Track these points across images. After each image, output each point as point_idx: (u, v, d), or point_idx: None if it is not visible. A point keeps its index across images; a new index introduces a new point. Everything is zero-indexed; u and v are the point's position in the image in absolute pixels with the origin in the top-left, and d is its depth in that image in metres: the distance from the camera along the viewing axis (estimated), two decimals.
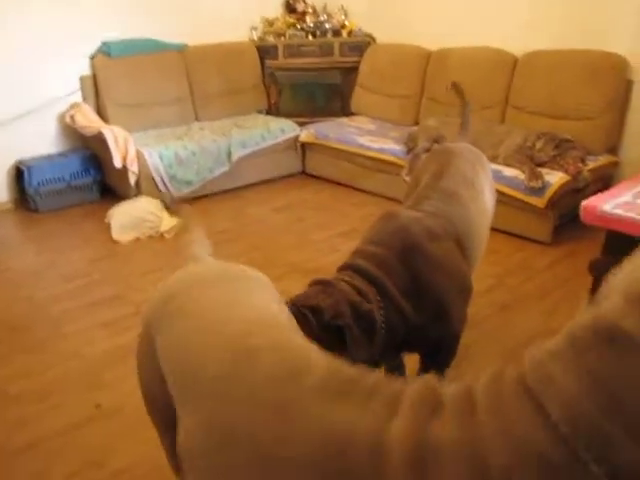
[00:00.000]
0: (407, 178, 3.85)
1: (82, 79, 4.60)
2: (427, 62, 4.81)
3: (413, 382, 0.82)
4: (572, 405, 0.64)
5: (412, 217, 1.76)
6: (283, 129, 4.89)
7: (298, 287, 1.49)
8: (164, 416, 1.20)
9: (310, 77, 5.34)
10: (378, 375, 0.86)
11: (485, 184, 2.09)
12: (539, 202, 3.42)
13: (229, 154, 4.54)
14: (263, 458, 0.80)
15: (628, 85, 3.85)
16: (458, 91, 2.58)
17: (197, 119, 5.08)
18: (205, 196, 4.51)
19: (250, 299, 1.11)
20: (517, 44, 4.28)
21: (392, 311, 1.58)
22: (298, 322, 1.21)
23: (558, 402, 0.65)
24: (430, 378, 0.82)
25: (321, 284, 1.56)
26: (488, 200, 2.10)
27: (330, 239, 3.71)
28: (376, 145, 4.36)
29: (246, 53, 5.32)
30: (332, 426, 0.77)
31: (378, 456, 0.71)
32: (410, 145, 4.13)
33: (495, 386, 0.72)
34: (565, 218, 3.58)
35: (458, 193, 1.91)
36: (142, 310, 1.24)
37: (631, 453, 0.60)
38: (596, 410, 0.63)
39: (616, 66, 3.80)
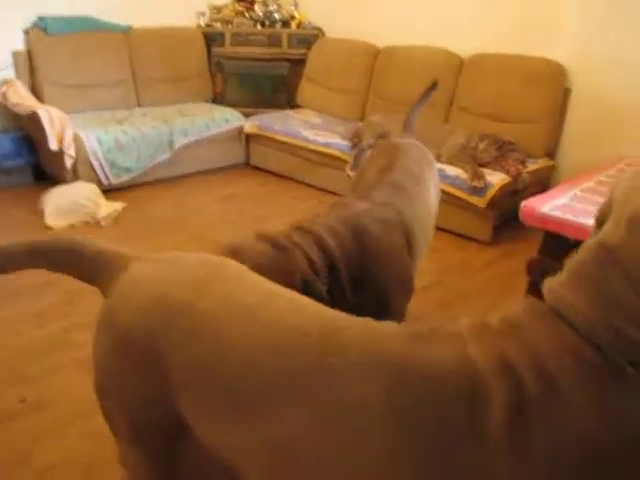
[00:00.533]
0: (351, 173, 3.84)
1: (15, 54, 4.35)
2: (375, 58, 4.83)
3: (460, 322, 0.97)
4: (589, 318, 0.83)
5: (364, 208, 1.76)
6: (228, 119, 4.80)
7: None
8: (159, 433, 1.13)
9: (257, 67, 5.27)
10: (428, 325, 0.99)
11: (430, 181, 2.10)
12: (480, 202, 3.47)
13: (171, 142, 4.43)
14: (388, 420, 0.87)
15: (566, 93, 3.97)
16: (429, 89, 2.58)
17: (139, 104, 4.92)
18: (145, 183, 4.38)
19: (265, 286, 1.11)
20: (464, 46, 4.34)
21: (335, 287, 1.58)
22: None
23: (579, 319, 0.84)
24: (472, 318, 0.98)
25: (272, 245, 1.52)
26: (433, 197, 2.11)
27: None
28: (321, 139, 4.34)
29: (192, 39, 5.20)
30: (426, 361, 0.89)
31: (473, 377, 0.85)
32: (355, 140, 4.12)
33: (532, 312, 0.91)
34: (504, 218, 3.66)
35: (406, 188, 1.91)
36: (117, 321, 1.08)
37: None
38: (606, 317, 0.81)
39: (555, 74, 3.91)
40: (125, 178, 4.23)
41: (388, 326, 0.99)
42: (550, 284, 0.92)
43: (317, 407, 0.90)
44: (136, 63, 4.90)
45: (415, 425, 0.85)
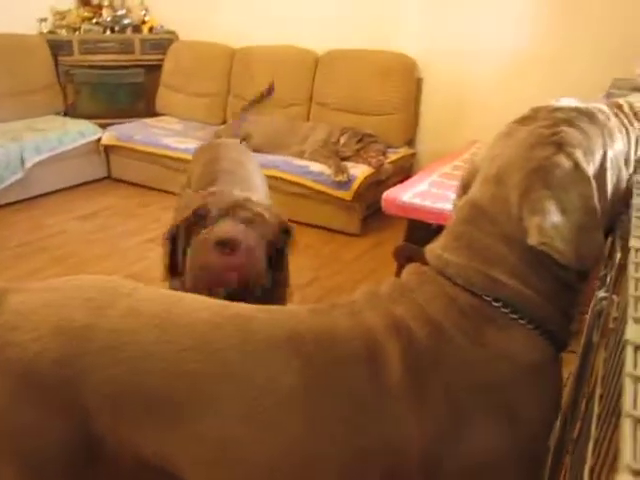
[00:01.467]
0: None
1: None
2: (231, 60, 4.77)
3: (354, 294, 1.08)
4: (463, 269, 0.97)
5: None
6: (82, 132, 4.54)
7: None
8: (64, 469, 1.03)
9: (110, 76, 5.02)
10: (326, 303, 1.10)
11: (253, 169, 2.26)
12: (346, 195, 3.54)
13: (22, 160, 4.12)
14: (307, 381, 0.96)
15: (418, 83, 4.14)
16: (266, 92, 2.76)
17: None
18: None
19: (162, 293, 1.12)
20: (317, 43, 4.40)
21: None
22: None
23: (456, 272, 0.98)
24: (366, 287, 1.09)
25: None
26: (260, 182, 2.24)
27: (139, 246, 3.53)
28: (182, 145, 4.20)
29: (35, 47, 4.82)
30: (329, 331, 0.99)
31: (369, 339, 0.96)
32: None
33: (418, 276, 1.03)
34: (371, 209, 3.75)
35: (236, 172, 2.06)
36: (8, 358, 0.99)
37: (510, 288, 0.94)
38: (476, 265, 0.96)
39: (406, 65, 4.07)
40: None
41: (288, 308, 1.13)
42: (431, 248, 1.06)
43: (245, 393, 0.95)
44: None
45: (327, 389, 0.94)
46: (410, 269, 1.07)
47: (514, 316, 0.95)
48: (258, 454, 0.96)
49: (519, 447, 0.94)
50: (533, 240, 0.91)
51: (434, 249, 1.05)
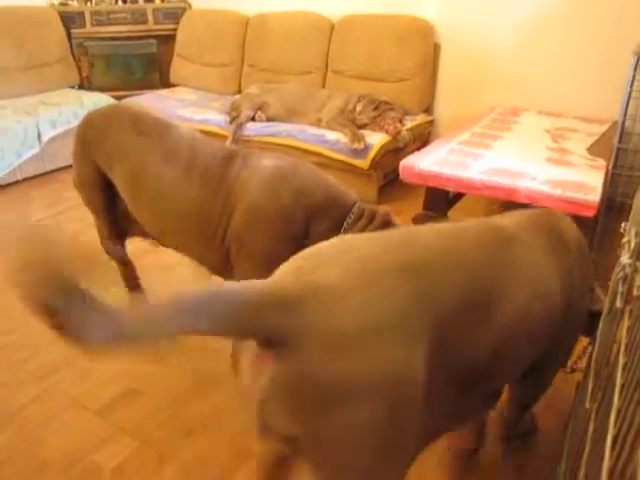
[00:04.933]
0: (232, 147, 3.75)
1: None
2: (245, 28, 4.71)
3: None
4: None
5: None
6: (97, 104, 4.44)
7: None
8: None
9: (124, 47, 4.99)
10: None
11: None
12: (363, 163, 3.49)
13: (38, 135, 4.13)
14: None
15: (436, 48, 4.05)
16: None
17: None
18: (15, 183, 4.07)
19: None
20: (333, 8, 4.33)
21: None
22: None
23: None
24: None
25: None
26: None
27: None
28: (198, 116, 4.18)
29: (47, 20, 4.79)
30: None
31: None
32: (233, 114, 4.01)
33: None
34: (389, 178, 3.71)
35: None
36: None
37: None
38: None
39: (424, 30, 3.97)
40: None
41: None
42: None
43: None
44: None
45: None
46: None
47: None
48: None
49: None
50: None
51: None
